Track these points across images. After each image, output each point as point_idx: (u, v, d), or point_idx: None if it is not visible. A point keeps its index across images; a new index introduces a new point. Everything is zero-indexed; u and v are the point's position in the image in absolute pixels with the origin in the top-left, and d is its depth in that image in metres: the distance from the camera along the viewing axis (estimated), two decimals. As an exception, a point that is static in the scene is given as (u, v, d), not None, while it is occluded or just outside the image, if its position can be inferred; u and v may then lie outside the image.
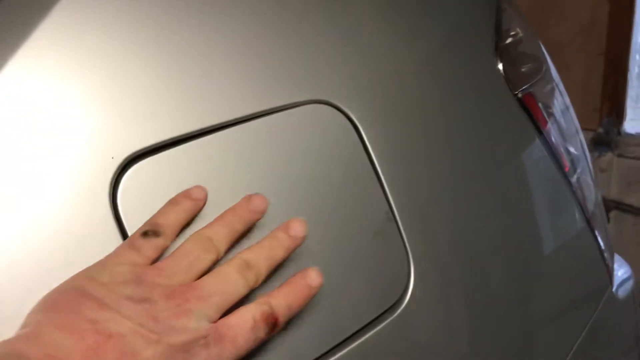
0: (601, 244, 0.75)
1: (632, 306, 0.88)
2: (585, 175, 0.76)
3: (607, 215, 1.84)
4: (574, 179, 0.70)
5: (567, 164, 0.69)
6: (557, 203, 0.68)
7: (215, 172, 0.40)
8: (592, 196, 0.78)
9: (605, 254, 0.75)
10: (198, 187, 0.38)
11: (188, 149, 0.39)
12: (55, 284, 0.32)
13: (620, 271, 0.87)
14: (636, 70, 1.70)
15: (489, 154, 0.60)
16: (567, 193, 0.69)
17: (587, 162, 0.78)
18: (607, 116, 1.80)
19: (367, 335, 0.45)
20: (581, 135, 0.79)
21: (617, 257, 0.91)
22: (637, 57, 1.71)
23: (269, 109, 0.42)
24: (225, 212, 0.38)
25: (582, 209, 0.72)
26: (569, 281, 0.68)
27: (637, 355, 0.94)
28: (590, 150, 1.80)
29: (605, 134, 1.80)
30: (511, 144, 0.62)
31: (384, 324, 0.47)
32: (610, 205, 1.83)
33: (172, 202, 0.37)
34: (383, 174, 0.48)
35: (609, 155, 1.80)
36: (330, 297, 0.43)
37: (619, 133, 1.79)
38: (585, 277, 0.70)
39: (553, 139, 0.68)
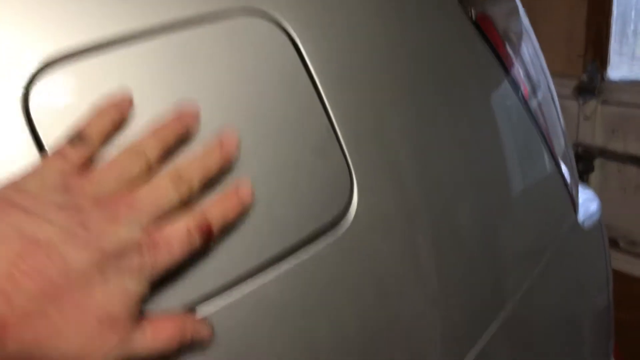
0: (566, 175, 0.75)
1: (600, 242, 0.88)
2: (547, 104, 0.75)
3: (592, 163, 1.84)
4: (533, 104, 0.69)
5: (526, 88, 0.69)
6: (516, 127, 0.67)
7: (139, 84, 0.39)
8: (556, 128, 0.78)
9: (570, 185, 0.74)
10: (123, 94, 0.37)
11: (108, 56, 0.38)
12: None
13: (592, 205, 0.87)
14: (619, 12, 1.68)
15: (441, 77, 0.59)
16: (525, 118, 0.68)
17: (551, 91, 0.77)
18: (592, 62, 1.78)
19: (307, 252, 0.45)
20: (543, 63, 0.78)
21: (588, 192, 0.91)
22: None
23: (197, 15, 0.41)
24: (156, 123, 0.37)
25: (545, 139, 0.72)
26: (532, 207, 0.68)
27: (607, 299, 0.95)
28: (574, 98, 1.79)
29: (589, 81, 1.79)
30: (465, 66, 0.61)
31: (326, 241, 0.46)
32: (595, 152, 1.83)
33: (97, 110, 0.36)
34: (324, 92, 0.48)
35: (593, 102, 1.79)
36: (267, 211, 0.43)
37: (603, 79, 1.77)
38: (547, 204, 0.70)
39: (513, 63, 0.67)
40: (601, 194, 1.84)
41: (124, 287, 0.32)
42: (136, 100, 0.38)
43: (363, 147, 0.50)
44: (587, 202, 0.87)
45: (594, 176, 1.85)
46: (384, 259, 0.51)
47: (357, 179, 0.49)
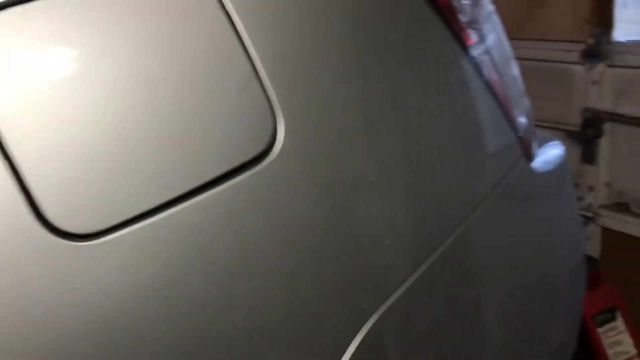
0: (521, 123, 0.78)
1: (565, 189, 0.91)
2: (498, 53, 0.79)
3: (601, 127, 1.83)
4: (478, 52, 0.73)
5: (469, 37, 0.72)
6: (458, 75, 0.71)
7: (68, 35, 0.45)
8: (508, 80, 0.81)
9: (520, 131, 0.78)
10: None
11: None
12: None
13: (554, 151, 0.90)
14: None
15: (377, 31, 0.64)
16: (468, 65, 0.72)
17: (500, 35, 0.80)
18: (597, 26, 1.77)
19: (231, 181, 0.51)
20: (494, 17, 0.81)
21: (553, 140, 0.94)
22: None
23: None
24: None
25: (492, 90, 0.75)
26: (473, 150, 0.72)
27: (578, 257, 0.97)
28: (582, 63, 1.79)
29: (596, 45, 1.78)
30: (398, 18, 0.66)
31: (250, 172, 0.52)
32: (603, 116, 1.82)
33: None
34: (250, 38, 0.53)
35: (600, 66, 1.79)
36: (190, 144, 0.49)
37: (609, 42, 1.76)
38: (492, 149, 0.74)
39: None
40: (611, 158, 1.85)
41: None
42: (71, 55, 0.45)
43: (291, 90, 0.56)
44: (550, 149, 0.90)
45: (603, 141, 1.85)
46: (309, 192, 0.56)
47: (284, 118, 0.54)
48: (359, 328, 0.57)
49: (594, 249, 1.95)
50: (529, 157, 0.80)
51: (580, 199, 1.96)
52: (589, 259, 1.85)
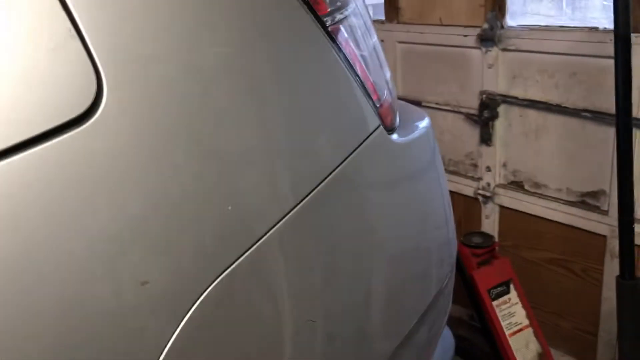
0: (374, 90, 0.80)
1: (427, 159, 0.94)
2: (353, 17, 0.80)
3: (497, 109, 1.91)
4: (333, 20, 0.74)
5: (323, 5, 0.73)
6: (314, 47, 0.72)
7: None
8: (369, 52, 0.83)
9: (375, 98, 0.80)
10: None
11: None
12: None
13: (420, 122, 0.93)
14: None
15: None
16: (324, 41, 0.73)
17: (358, 3, 0.81)
18: (491, 11, 1.84)
19: (50, 142, 0.50)
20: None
21: (418, 111, 0.97)
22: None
23: None
24: None
25: (349, 61, 0.77)
26: (327, 114, 0.73)
27: (445, 233, 0.99)
28: (477, 47, 1.85)
29: (490, 29, 1.85)
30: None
31: (70, 133, 0.51)
32: (498, 99, 1.90)
33: None
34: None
35: (494, 50, 1.86)
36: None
37: (502, 27, 1.83)
38: (347, 114, 0.75)
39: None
40: (506, 139, 1.93)
41: None
42: None
43: (116, 47, 0.55)
44: (417, 121, 0.93)
45: (498, 122, 1.93)
46: (137, 152, 0.56)
47: (106, 80, 0.54)
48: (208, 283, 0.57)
49: (493, 226, 2.03)
50: (389, 127, 0.83)
51: (479, 179, 2.04)
52: (486, 236, 1.93)
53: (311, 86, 0.72)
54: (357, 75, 0.78)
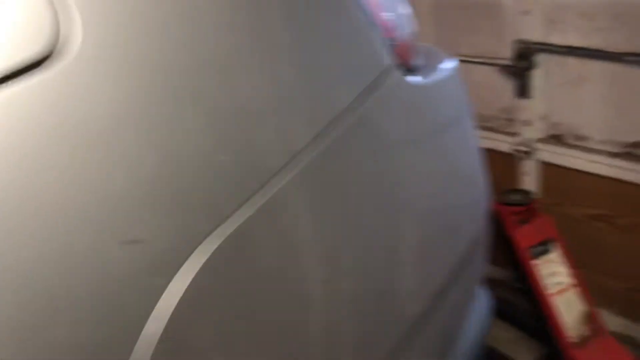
0: (388, 29, 0.74)
1: (456, 102, 0.87)
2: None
3: (533, 59, 1.80)
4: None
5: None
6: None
7: None
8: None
9: (389, 37, 0.73)
10: None
11: None
12: None
13: (446, 65, 0.86)
14: None
15: None
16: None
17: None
18: (525, -47, 1.73)
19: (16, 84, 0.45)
20: None
21: (446, 55, 0.90)
22: None
23: None
24: None
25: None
26: (334, 52, 0.67)
27: (478, 190, 0.93)
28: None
29: (524, -27, 1.74)
30: None
31: (31, 77, 0.46)
32: (535, 48, 1.79)
33: None
34: None
35: (529, -5, 1.75)
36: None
37: (537, -31, 1.72)
38: (357, 52, 0.69)
39: None
40: (545, 90, 1.82)
41: None
42: None
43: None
44: (441, 63, 0.86)
45: (536, 73, 1.82)
46: (115, 99, 0.50)
47: (80, 14, 0.49)
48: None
49: (533, 183, 1.94)
50: (408, 68, 0.76)
51: (516, 134, 1.94)
52: (524, 193, 1.84)
53: (314, 20, 0.65)
54: (369, 12, 0.71)
